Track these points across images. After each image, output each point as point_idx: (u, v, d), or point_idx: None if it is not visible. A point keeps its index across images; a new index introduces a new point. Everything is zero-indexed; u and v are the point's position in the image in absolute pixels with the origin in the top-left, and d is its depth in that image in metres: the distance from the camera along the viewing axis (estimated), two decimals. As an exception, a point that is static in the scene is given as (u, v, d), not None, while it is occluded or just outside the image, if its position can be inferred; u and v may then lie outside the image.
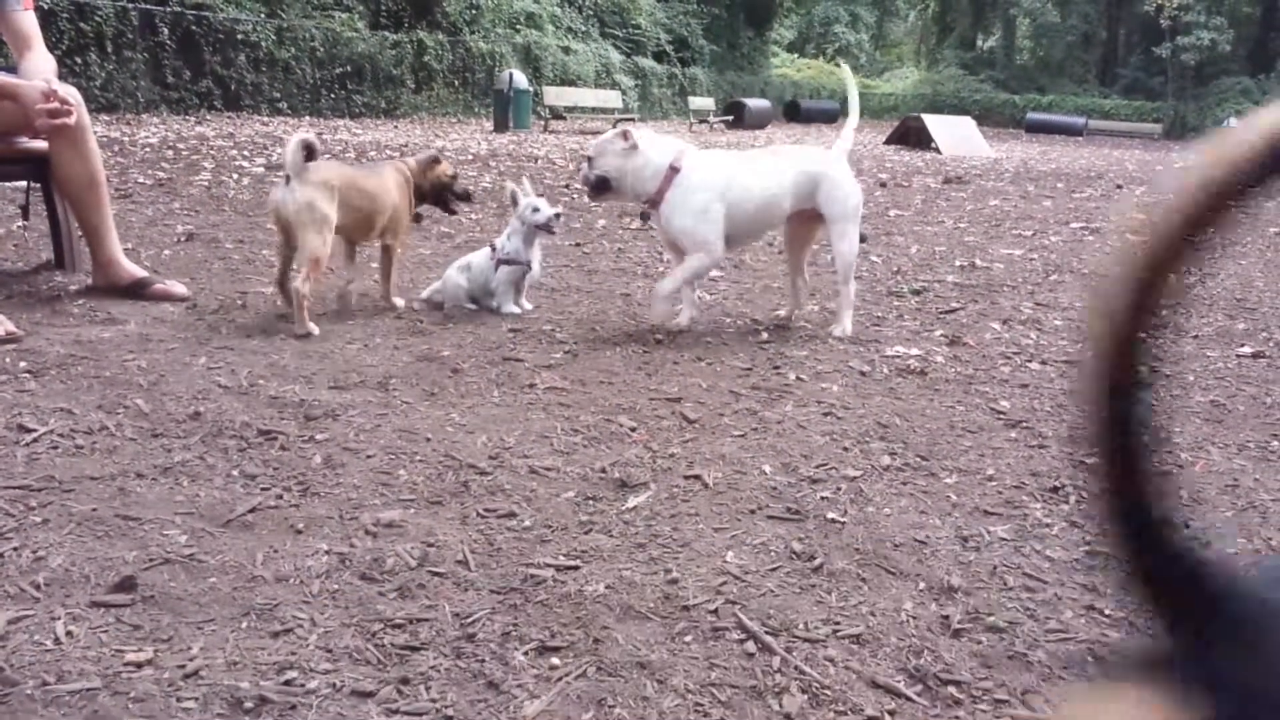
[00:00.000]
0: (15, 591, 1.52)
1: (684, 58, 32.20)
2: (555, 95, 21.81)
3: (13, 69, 3.43)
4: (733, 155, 3.50)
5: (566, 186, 8.21)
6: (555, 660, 1.43)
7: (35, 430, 2.18)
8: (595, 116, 22.58)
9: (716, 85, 33.57)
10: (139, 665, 1.35)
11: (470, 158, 10.85)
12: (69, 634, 1.41)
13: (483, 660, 1.41)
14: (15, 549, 1.65)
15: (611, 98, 23.86)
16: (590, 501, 2.02)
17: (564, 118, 21.19)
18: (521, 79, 19.37)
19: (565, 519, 1.92)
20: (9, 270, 3.85)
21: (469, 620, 1.52)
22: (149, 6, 15.77)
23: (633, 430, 2.46)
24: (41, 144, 3.45)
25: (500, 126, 18.72)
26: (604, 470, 2.17)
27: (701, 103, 27.05)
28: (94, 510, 1.81)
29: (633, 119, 22.22)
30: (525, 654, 1.44)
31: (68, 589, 1.54)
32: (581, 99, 23.01)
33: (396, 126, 17.98)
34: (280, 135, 12.68)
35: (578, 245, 5.31)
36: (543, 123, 20.55)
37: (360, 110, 19.97)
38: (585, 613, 1.56)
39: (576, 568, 1.71)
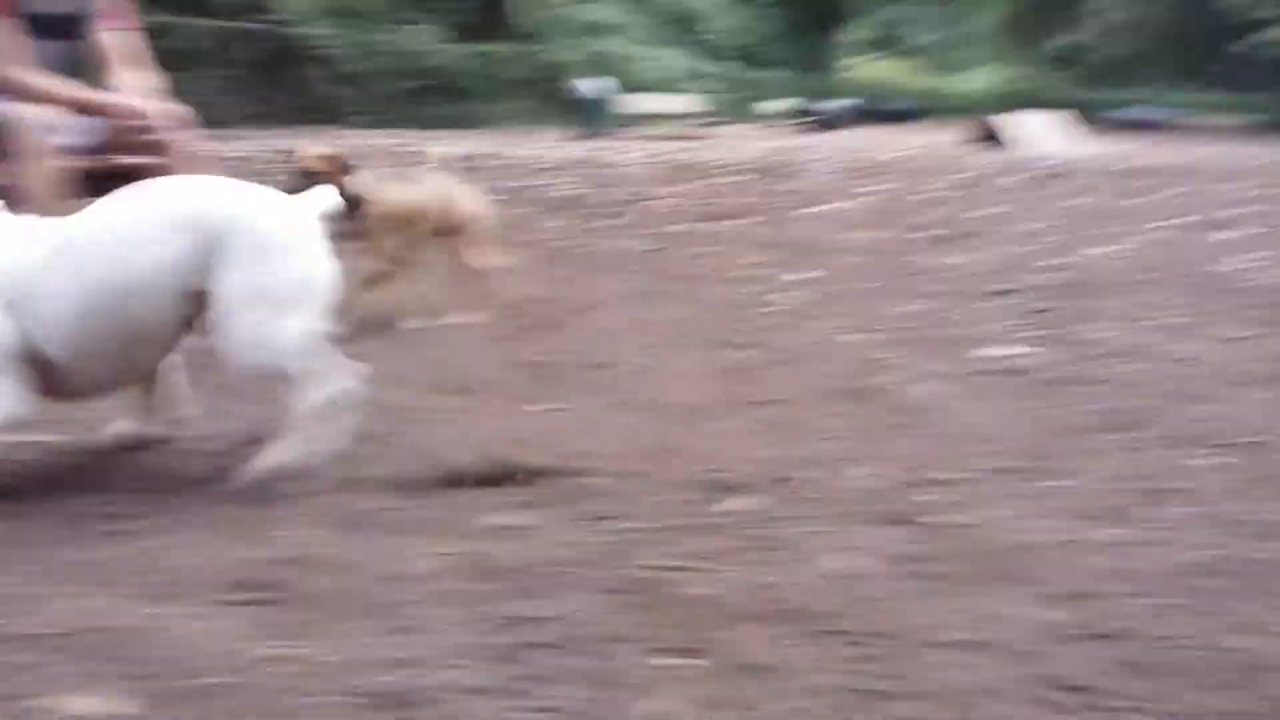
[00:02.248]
0: (156, 588, 1.59)
1: (759, 60, 32.08)
2: (636, 101, 21.83)
3: (113, 88, 3.56)
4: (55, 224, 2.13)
5: (647, 192, 8.25)
6: (665, 661, 1.45)
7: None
8: (678, 121, 22.55)
9: (792, 87, 33.38)
10: (272, 660, 1.40)
11: (549, 165, 10.97)
12: (206, 629, 1.48)
13: (595, 660, 1.44)
14: (153, 546, 1.73)
15: (693, 101, 23.82)
16: (691, 504, 2.03)
17: (645, 123, 21.23)
18: (596, 87, 19.48)
19: (669, 520, 1.94)
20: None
21: (579, 620, 1.54)
22: (232, 24, 16.24)
23: (728, 431, 2.47)
24: (138, 160, 3.56)
25: (580, 135, 18.83)
26: (705, 472, 2.19)
27: (776, 105, 26.92)
28: (223, 510, 1.89)
29: (716, 122, 22.17)
30: (636, 655, 1.46)
31: (202, 586, 1.62)
32: (663, 104, 22.98)
33: (473, 137, 18.20)
34: (357, 148, 12.93)
35: (659, 250, 5.34)
36: (623, 129, 20.60)
37: (438, 121, 20.26)
38: (692, 615, 1.58)
39: (682, 569, 1.73)
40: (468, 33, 21.37)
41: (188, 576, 1.64)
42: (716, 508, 2.02)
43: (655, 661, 1.45)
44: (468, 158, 11.45)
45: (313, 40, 17.62)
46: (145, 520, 1.85)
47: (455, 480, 2.10)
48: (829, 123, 27.12)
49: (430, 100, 20.31)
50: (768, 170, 11.02)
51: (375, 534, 1.84)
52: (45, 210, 3.02)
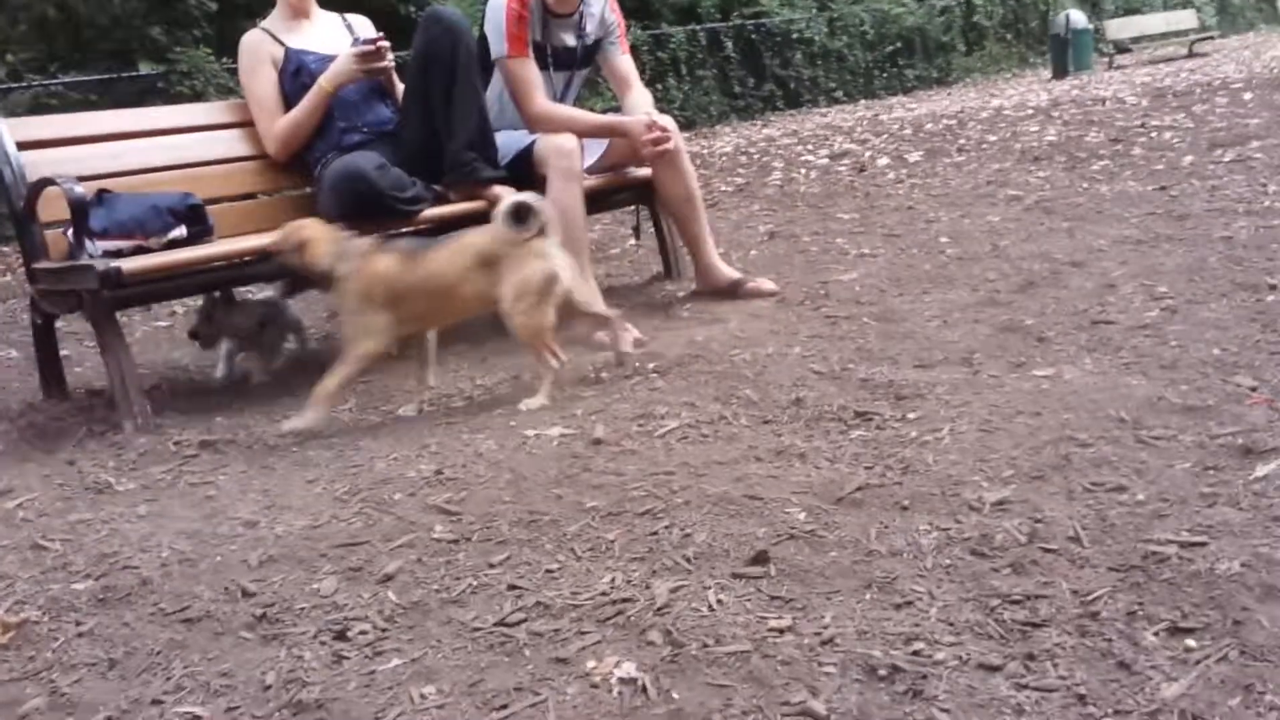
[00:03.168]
0: (671, 564, 1.77)
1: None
2: (1118, 28, 20.07)
3: (617, 109, 3.96)
4: None
5: (1141, 126, 7.54)
6: (1190, 642, 1.36)
7: (668, 423, 2.50)
8: (1166, 43, 20.30)
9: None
10: (781, 631, 1.51)
11: (1030, 112, 10.38)
12: (720, 602, 1.62)
13: (1110, 639, 1.38)
14: (666, 526, 1.92)
15: (1184, 18, 21.31)
16: (1210, 471, 1.86)
17: (1130, 50, 19.40)
18: (1079, 18, 18.13)
19: (1184, 491, 1.79)
20: (629, 284, 4.44)
21: (1089, 598, 1.49)
22: (714, 25, 17.15)
23: (1252, 390, 2.22)
24: (645, 171, 3.93)
25: (1059, 73, 17.67)
26: (1225, 437, 1.99)
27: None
28: (724, 491, 2.04)
29: (1211, 38, 19.70)
30: (1156, 634, 1.38)
31: (712, 562, 1.76)
32: (1149, 26, 20.85)
33: (950, 94, 17.71)
34: (838, 124, 13.10)
35: (1162, 189, 4.86)
36: (1106, 60, 19.01)
37: (912, 84, 19.98)
38: (1219, 592, 1.46)
39: (1204, 544, 1.60)
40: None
41: (706, 551, 1.80)
42: (1248, 475, 1.83)
43: (1178, 643, 1.36)
44: (959, 113, 11.17)
45: (790, 25, 18.13)
46: (657, 501, 2.04)
47: (944, 455, 2.10)
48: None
49: (907, 63, 20.07)
50: (1289, 80, 9.55)
51: (873, 509, 1.89)
52: (574, 229, 3.46)
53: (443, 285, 2.77)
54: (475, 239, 2.80)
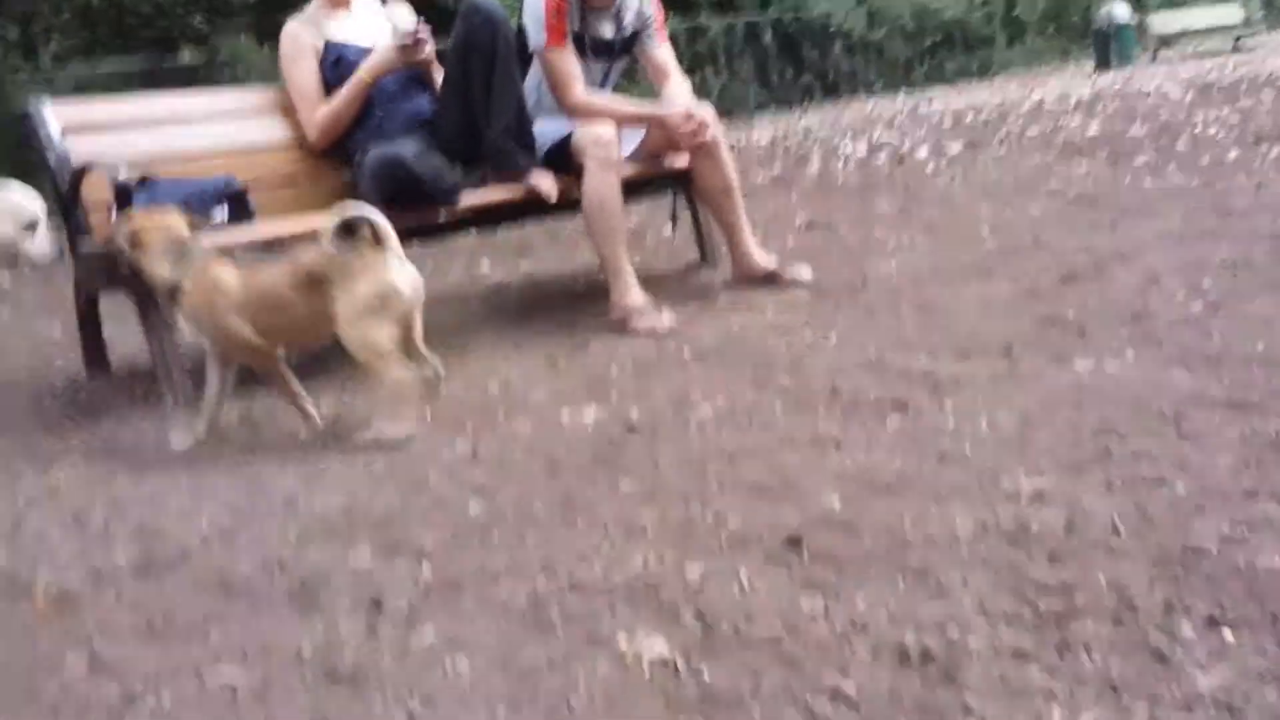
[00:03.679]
0: (704, 547, 1.78)
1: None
2: (1162, 22, 19.76)
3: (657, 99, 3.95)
4: None
5: (1185, 120, 7.43)
6: (1227, 634, 1.34)
7: (703, 410, 2.50)
8: (1211, 37, 19.91)
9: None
10: (813, 616, 1.51)
11: (1072, 105, 10.25)
12: (752, 585, 1.62)
13: (1146, 631, 1.36)
14: (700, 511, 1.92)
15: (1229, 13, 20.91)
16: (1252, 466, 1.84)
17: (1174, 44, 19.13)
18: (1123, 11, 17.90)
19: (1225, 486, 1.77)
20: (665, 271, 4.44)
21: (1126, 589, 1.47)
22: (752, 18, 17.10)
23: (1299, 385, 2.19)
24: (683, 160, 3.92)
25: (1102, 66, 17.47)
26: (1268, 432, 1.96)
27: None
28: (759, 478, 2.04)
29: (1257, 33, 19.35)
30: (1193, 627, 1.36)
31: (746, 545, 1.76)
32: (1193, 21, 20.47)
33: (990, 86, 17.54)
34: (877, 116, 13.01)
35: (1207, 183, 4.79)
36: (1150, 54, 18.75)
37: (953, 76, 19.81)
38: (1259, 587, 1.44)
39: (1244, 539, 1.57)
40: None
41: (740, 535, 1.80)
42: (1292, 469, 1.81)
43: (1215, 636, 1.34)
44: (1000, 106, 11.06)
45: (829, 17, 18.06)
46: (691, 486, 2.05)
47: (981, 446, 2.08)
48: None
49: (947, 56, 19.92)
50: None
51: (909, 498, 1.88)
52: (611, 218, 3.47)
53: (277, 303, 2.53)
54: (305, 257, 2.56)
